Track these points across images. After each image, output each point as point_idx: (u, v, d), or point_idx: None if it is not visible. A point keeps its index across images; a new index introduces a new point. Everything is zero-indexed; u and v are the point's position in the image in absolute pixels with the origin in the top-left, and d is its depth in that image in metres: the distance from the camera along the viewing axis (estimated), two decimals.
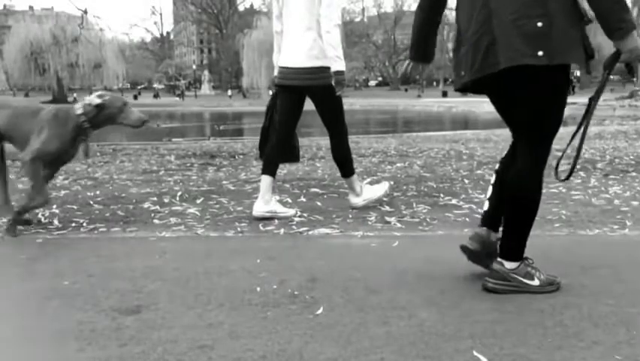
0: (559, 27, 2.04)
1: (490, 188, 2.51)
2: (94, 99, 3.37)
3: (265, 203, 3.75)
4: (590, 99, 2.24)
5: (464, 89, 2.31)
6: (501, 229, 2.40)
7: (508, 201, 2.31)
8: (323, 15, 3.57)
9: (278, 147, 3.90)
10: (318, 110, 3.87)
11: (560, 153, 2.37)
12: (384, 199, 4.19)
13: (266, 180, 3.80)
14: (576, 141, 2.31)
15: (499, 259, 2.31)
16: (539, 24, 2.03)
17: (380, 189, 4.05)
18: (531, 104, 2.17)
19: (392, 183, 4.56)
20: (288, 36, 3.76)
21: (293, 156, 4.10)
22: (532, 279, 2.29)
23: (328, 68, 3.62)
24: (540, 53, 2.03)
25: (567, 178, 2.41)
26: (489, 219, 2.49)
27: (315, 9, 3.60)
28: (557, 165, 2.43)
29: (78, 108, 3.39)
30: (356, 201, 3.98)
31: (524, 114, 2.22)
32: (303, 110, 3.90)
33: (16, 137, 3.47)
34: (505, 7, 2.08)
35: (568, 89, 2.20)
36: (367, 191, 4.01)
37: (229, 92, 59.15)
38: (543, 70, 2.07)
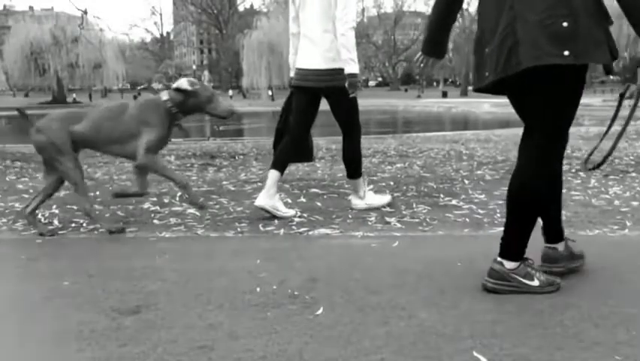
0: (584, 27, 2.05)
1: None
2: (183, 83, 3.36)
3: (269, 197, 3.76)
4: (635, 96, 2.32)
5: (485, 90, 2.33)
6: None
7: (510, 200, 2.31)
8: (338, 17, 3.61)
9: (292, 147, 3.92)
10: (333, 111, 3.90)
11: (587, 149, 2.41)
12: None
13: (273, 175, 3.82)
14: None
15: (498, 259, 2.32)
16: (565, 24, 2.04)
17: (382, 199, 4.05)
18: (550, 102, 2.19)
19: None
20: (305, 38, 3.81)
21: (306, 156, 4.12)
22: (532, 280, 2.29)
23: (342, 70, 3.65)
24: (566, 53, 2.05)
25: (595, 168, 2.47)
26: (549, 235, 2.54)
27: (332, 11, 3.64)
28: (588, 156, 2.50)
29: (164, 95, 3.39)
30: (357, 203, 3.99)
31: (540, 111, 2.23)
32: (318, 110, 3.95)
33: (108, 140, 3.39)
34: (530, 8, 2.09)
35: (583, 89, 2.23)
36: (370, 197, 4.02)
37: (230, 93, 59.13)
38: (567, 69, 2.09)
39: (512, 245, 2.31)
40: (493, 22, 2.19)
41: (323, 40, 3.70)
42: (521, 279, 2.28)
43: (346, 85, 3.64)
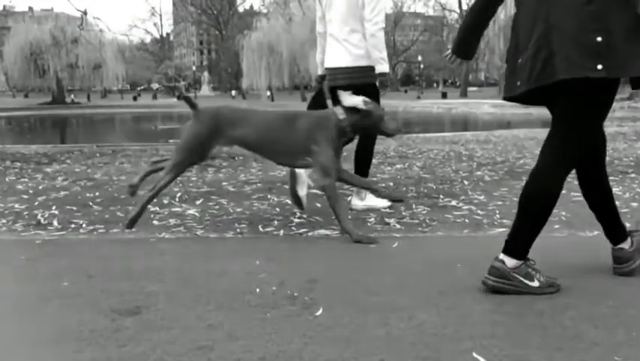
0: (618, 41, 2.09)
1: (593, 212, 2.59)
2: (359, 103, 3.24)
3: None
4: None
5: (515, 100, 2.39)
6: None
7: (524, 198, 2.33)
8: (367, 19, 3.70)
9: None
10: None
11: None
12: None
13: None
14: None
15: (500, 257, 2.32)
16: (599, 38, 2.08)
17: (382, 202, 4.06)
18: (579, 112, 2.23)
19: (392, 183, 4.54)
20: (332, 37, 3.91)
21: None
22: (532, 280, 2.29)
23: (372, 67, 3.78)
24: (599, 67, 2.08)
25: None
26: (612, 237, 2.56)
27: (358, 11, 3.73)
28: None
29: (340, 113, 3.26)
30: (357, 203, 3.99)
31: (568, 120, 2.26)
32: None
33: (273, 151, 3.35)
34: (565, 21, 2.13)
35: (613, 101, 2.27)
36: (371, 199, 4.03)
37: (233, 93, 58.96)
38: (600, 82, 2.12)
39: (518, 243, 2.32)
40: (528, 32, 2.24)
41: (350, 39, 3.79)
42: (522, 278, 2.28)
43: (377, 83, 3.77)
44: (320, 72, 4.11)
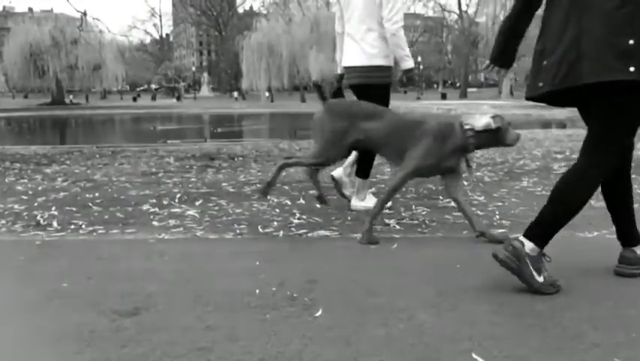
0: None
1: (609, 212, 2.60)
2: (490, 123, 3.07)
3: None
4: None
5: (539, 99, 2.42)
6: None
7: (556, 189, 2.36)
8: (386, 18, 3.77)
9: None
10: None
11: None
12: None
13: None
14: None
15: (521, 238, 2.33)
16: (631, 42, 2.11)
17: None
18: (612, 113, 2.27)
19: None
20: (348, 37, 3.98)
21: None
22: (539, 275, 2.31)
23: (387, 67, 3.90)
24: (632, 69, 2.11)
25: None
26: (625, 238, 2.56)
27: (375, 11, 3.80)
28: None
29: (468, 126, 3.12)
30: (357, 204, 4.00)
31: (602, 119, 2.30)
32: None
33: (392, 149, 3.29)
34: (597, 25, 2.17)
35: None
36: (370, 200, 4.03)
37: (235, 94, 58.44)
38: (631, 84, 2.16)
39: (542, 229, 2.34)
40: (557, 35, 2.27)
41: (366, 38, 3.86)
42: (532, 268, 2.30)
43: (404, 79, 3.94)
44: (339, 71, 4.19)
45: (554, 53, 2.27)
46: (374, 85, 3.89)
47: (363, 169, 4.02)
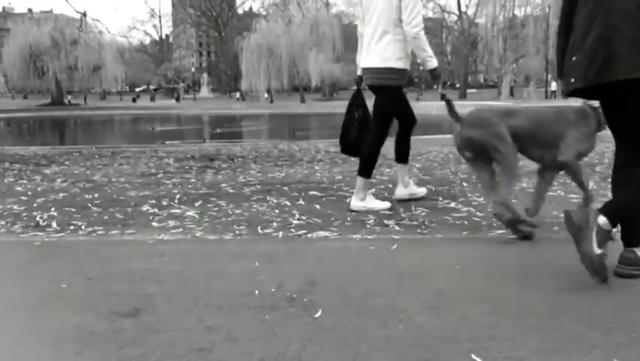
0: None
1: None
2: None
3: (405, 186, 4.27)
4: None
5: (572, 94, 2.51)
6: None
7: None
8: (406, 22, 3.86)
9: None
10: (374, 108, 4.17)
11: None
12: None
13: (402, 168, 4.31)
14: None
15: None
16: None
17: (382, 204, 4.08)
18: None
19: (391, 185, 4.55)
20: (366, 38, 4.08)
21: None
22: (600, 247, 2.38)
23: (400, 70, 3.98)
24: None
25: None
26: (629, 238, 2.59)
27: (392, 14, 3.89)
28: None
29: (597, 105, 3.10)
30: (357, 205, 4.01)
31: (637, 114, 2.39)
32: (404, 101, 4.26)
33: (535, 143, 3.26)
34: (628, 24, 2.24)
35: None
36: (370, 201, 4.06)
37: (237, 95, 57.94)
38: None
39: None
40: (585, 33, 2.34)
41: (381, 40, 3.92)
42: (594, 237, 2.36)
43: (430, 78, 4.06)
44: (359, 73, 4.28)
45: (583, 49, 2.33)
46: (387, 86, 4.01)
47: (366, 168, 4.06)
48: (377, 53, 3.97)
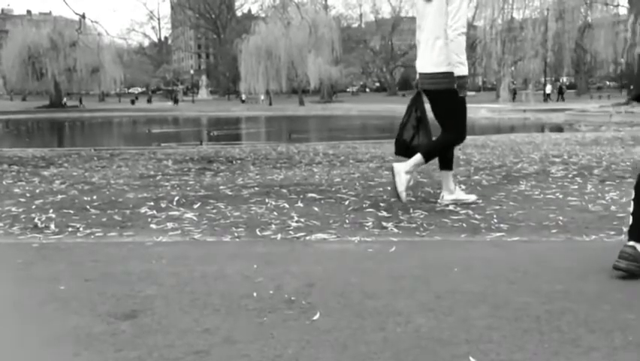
0: None
1: (632, 203, 2.63)
2: None
3: (450, 193, 4.28)
4: None
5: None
6: None
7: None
8: (448, 25, 3.98)
9: (435, 145, 4.30)
10: (433, 111, 4.28)
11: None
12: (382, 205, 4.21)
13: (445, 174, 4.35)
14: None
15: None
16: None
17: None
18: None
19: (389, 188, 4.56)
20: (421, 44, 4.23)
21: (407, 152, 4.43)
22: None
23: (451, 73, 4.03)
24: None
25: None
26: (634, 234, 2.59)
27: (443, 20, 4.00)
28: None
29: None
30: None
31: None
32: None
33: None
34: None
35: None
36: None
37: (243, 97, 56.83)
38: None
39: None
40: None
41: (434, 45, 4.09)
42: None
43: (455, 86, 4.03)
44: (418, 77, 4.39)
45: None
46: (441, 90, 4.10)
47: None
48: (431, 58, 4.11)
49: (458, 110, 4.19)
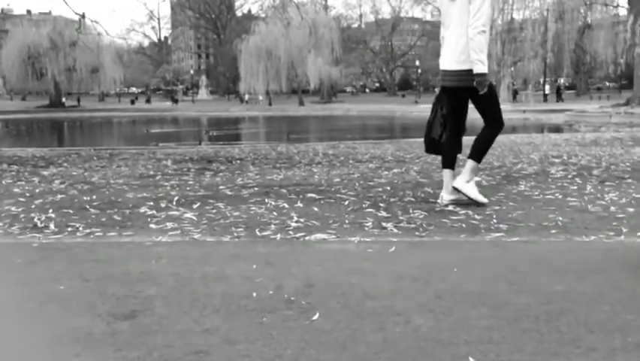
0: None
1: None
2: None
3: (449, 193, 4.25)
4: None
5: None
6: None
7: None
8: (469, 24, 4.03)
9: (447, 143, 4.37)
10: (475, 106, 4.31)
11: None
12: (381, 205, 4.21)
13: (447, 174, 4.33)
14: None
15: None
16: None
17: (480, 198, 4.22)
18: None
19: (389, 188, 4.55)
20: (445, 42, 4.31)
21: (458, 149, 4.51)
22: None
23: (471, 71, 4.06)
24: None
25: None
26: None
27: (465, 18, 4.06)
28: None
29: None
30: (460, 184, 4.20)
31: None
32: (467, 108, 4.41)
33: None
34: None
35: None
36: (472, 187, 4.23)
37: (246, 97, 56.36)
38: None
39: None
40: None
41: (457, 43, 4.14)
42: None
43: (474, 83, 4.06)
44: (441, 74, 4.44)
45: None
46: (464, 88, 4.17)
47: (477, 150, 4.29)
48: (454, 55, 4.16)
49: (487, 102, 4.23)
